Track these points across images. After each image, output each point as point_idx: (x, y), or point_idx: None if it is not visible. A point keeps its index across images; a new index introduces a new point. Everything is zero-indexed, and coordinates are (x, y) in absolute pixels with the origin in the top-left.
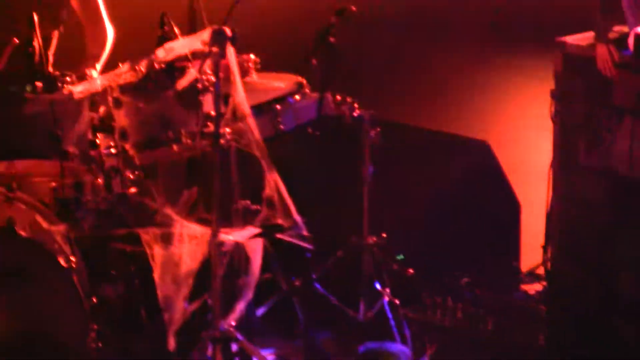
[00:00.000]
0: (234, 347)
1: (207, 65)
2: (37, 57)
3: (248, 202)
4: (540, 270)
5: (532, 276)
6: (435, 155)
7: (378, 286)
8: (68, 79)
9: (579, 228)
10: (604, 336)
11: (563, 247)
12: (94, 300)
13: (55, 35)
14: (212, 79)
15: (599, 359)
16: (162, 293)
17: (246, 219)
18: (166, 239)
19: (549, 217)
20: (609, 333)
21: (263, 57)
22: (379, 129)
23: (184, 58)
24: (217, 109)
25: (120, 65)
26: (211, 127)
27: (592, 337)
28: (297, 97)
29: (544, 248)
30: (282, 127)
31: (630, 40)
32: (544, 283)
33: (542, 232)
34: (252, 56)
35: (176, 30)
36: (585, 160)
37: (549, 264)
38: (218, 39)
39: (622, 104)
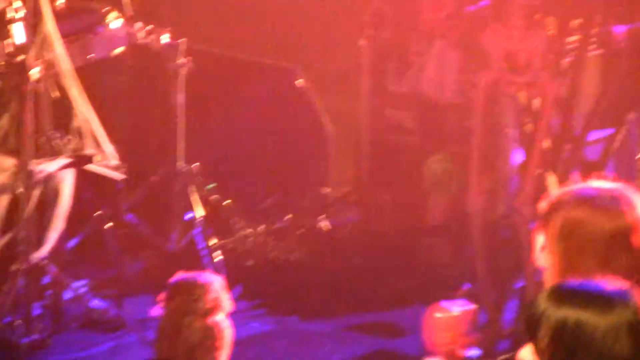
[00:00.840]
0: (47, 279)
1: None
2: None
3: (57, 133)
4: (352, 198)
5: (343, 202)
6: (248, 84)
7: (189, 216)
8: None
9: (389, 153)
10: (415, 256)
11: (373, 173)
12: None
13: None
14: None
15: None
16: None
17: (55, 149)
18: None
19: (355, 144)
20: (420, 252)
21: None
22: (189, 58)
23: None
24: (27, 37)
25: None
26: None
27: (404, 259)
28: (108, 25)
29: (355, 175)
30: (91, 56)
31: None
32: (354, 210)
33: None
34: None
35: None
36: (395, 85)
37: (359, 192)
38: None
39: (430, 27)
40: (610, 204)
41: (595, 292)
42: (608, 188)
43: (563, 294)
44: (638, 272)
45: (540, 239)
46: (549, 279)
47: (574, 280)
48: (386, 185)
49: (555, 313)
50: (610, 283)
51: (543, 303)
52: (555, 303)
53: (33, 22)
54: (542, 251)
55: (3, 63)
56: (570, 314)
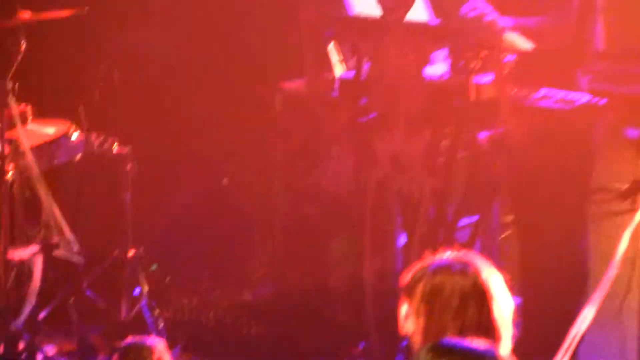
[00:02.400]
0: (22, 344)
1: None
2: None
3: (29, 225)
4: (270, 274)
5: (262, 277)
6: (184, 184)
7: (137, 291)
8: None
9: (300, 237)
10: (321, 320)
11: (287, 253)
12: None
13: None
14: None
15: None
16: None
17: (28, 239)
18: None
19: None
20: (325, 316)
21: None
22: (134, 162)
23: None
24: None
25: None
26: None
27: (313, 322)
28: (69, 137)
29: (272, 255)
30: (56, 161)
31: (336, 85)
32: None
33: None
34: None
35: None
36: (303, 181)
37: (276, 269)
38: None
39: (331, 134)
40: (463, 268)
41: (469, 349)
42: (459, 256)
43: (441, 350)
44: (487, 324)
45: (404, 308)
46: (416, 342)
47: (450, 339)
48: (297, 262)
49: None
50: (480, 342)
51: (424, 358)
52: (436, 358)
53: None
54: (407, 318)
55: None
56: None
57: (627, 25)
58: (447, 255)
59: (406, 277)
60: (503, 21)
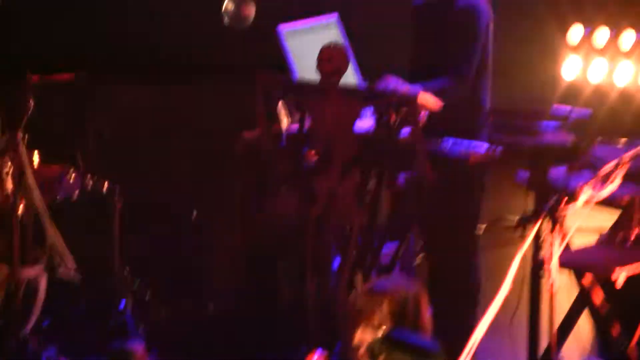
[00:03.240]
0: (29, 347)
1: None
2: None
3: (36, 248)
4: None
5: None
6: (164, 209)
7: (122, 303)
8: None
9: (253, 259)
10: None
11: (244, 273)
12: None
13: None
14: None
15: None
16: None
17: (35, 259)
18: None
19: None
20: (273, 332)
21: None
22: (120, 198)
23: None
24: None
25: None
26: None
27: (265, 332)
28: (69, 177)
29: (232, 274)
30: (57, 197)
31: (284, 135)
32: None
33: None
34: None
35: None
36: (258, 213)
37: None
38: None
39: (279, 175)
40: (395, 289)
41: (417, 342)
42: (391, 279)
43: (394, 341)
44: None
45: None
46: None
47: (401, 332)
48: (253, 280)
49: (390, 357)
50: (426, 338)
51: (378, 348)
52: (389, 348)
53: (18, 175)
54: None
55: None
56: (401, 357)
57: (515, 86)
58: (384, 279)
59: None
60: (414, 87)
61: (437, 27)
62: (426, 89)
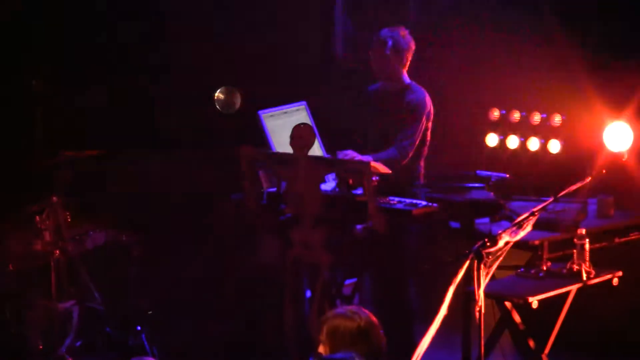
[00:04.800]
0: None
1: None
2: None
3: (71, 287)
4: None
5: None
6: (173, 255)
7: (139, 327)
8: None
9: (243, 293)
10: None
11: (236, 304)
12: None
13: None
14: None
15: None
16: None
17: (70, 295)
18: None
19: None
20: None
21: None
22: (140, 247)
23: None
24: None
25: None
26: None
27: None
28: (95, 231)
29: (226, 304)
30: (86, 246)
31: (265, 196)
32: None
33: None
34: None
35: None
36: (247, 256)
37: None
38: None
39: (263, 227)
40: (351, 315)
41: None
42: (350, 308)
43: None
44: (374, 355)
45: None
46: None
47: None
48: (243, 309)
49: None
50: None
51: None
52: None
53: (55, 229)
54: (319, 346)
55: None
56: None
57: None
58: (342, 307)
59: (318, 321)
60: (366, 157)
61: (388, 111)
62: (376, 159)
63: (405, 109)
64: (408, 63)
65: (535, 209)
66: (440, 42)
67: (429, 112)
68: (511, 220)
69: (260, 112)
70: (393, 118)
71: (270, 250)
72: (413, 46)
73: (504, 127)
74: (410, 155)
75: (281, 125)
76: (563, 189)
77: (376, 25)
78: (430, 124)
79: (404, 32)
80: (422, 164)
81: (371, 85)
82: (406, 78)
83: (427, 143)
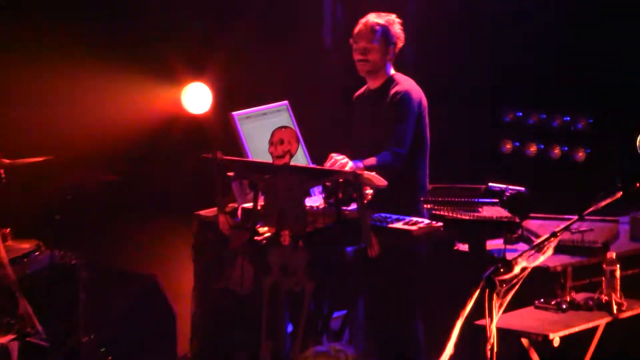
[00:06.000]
0: None
1: None
2: None
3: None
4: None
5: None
6: (125, 279)
7: None
8: None
9: (212, 325)
10: None
11: (204, 335)
12: None
13: None
14: None
15: None
16: None
17: (7, 328)
18: None
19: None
20: None
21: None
22: (86, 271)
23: None
24: None
25: None
26: None
27: None
28: (37, 253)
29: (193, 337)
30: (27, 271)
31: (239, 213)
32: None
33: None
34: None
35: None
36: (215, 282)
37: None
38: None
39: (235, 248)
40: (336, 353)
41: None
42: (334, 345)
43: None
44: None
45: None
46: None
47: None
48: (212, 343)
49: None
50: None
51: None
52: None
53: None
54: None
55: None
56: None
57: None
58: (326, 344)
59: (298, 357)
60: (355, 162)
61: (374, 113)
62: (368, 165)
63: (390, 105)
64: (394, 56)
65: (557, 229)
66: (442, 33)
67: (420, 103)
68: (529, 243)
69: (234, 113)
70: (381, 119)
71: (244, 276)
72: (403, 37)
73: (520, 132)
74: (404, 156)
75: (259, 128)
76: (590, 205)
77: (369, 12)
78: (426, 119)
79: (394, 20)
80: (422, 173)
81: (356, 91)
82: (390, 69)
83: (427, 143)
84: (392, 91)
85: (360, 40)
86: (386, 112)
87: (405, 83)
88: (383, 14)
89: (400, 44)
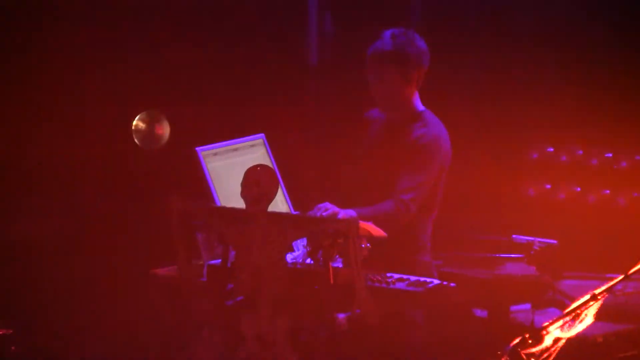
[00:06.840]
0: None
1: None
2: None
3: None
4: None
5: None
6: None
7: None
8: None
9: None
10: None
11: None
12: None
13: None
14: None
15: None
16: None
17: None
18: None
19: None
20: None
21: None
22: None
23: None
24: None
25: None
26: None
27: None
28: None
29: None
30: None
31: (204, 270)
32: None
33: None
34: None
35: None
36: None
37: None
38: None
39: (200, 316)
40: None
41: None
42: None
43: None
44: None
45: None
46: None
47: None
48: None
49: None
50: None
51: None
52: None
53: None
54: None
55: None
56: None
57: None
58: None
59: None
60: (348, 212)
61: (388, 149)
62: (365, 215)
63: (411, 148)
64: (421, 80)
65: (597, 291)
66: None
67: (445, 155)
68: (562, 307)
69: (198, 148)
70: (394, 159)
71: (211, 348)
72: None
73: (551, 171)
74: (413, 212)
75: (229, 167)
76: (637, 262)
77: (366, 22)
78: (444, 174)
79: (413, 37)
80: (430, 224)
81: (369, 110)
82: (418, 103)
83: (438, 200)
84: (417, 133)
85: (374, 69)
86: (404, 154)
87: (434, 127)
88: (398, 31)
89: (425, 66)
